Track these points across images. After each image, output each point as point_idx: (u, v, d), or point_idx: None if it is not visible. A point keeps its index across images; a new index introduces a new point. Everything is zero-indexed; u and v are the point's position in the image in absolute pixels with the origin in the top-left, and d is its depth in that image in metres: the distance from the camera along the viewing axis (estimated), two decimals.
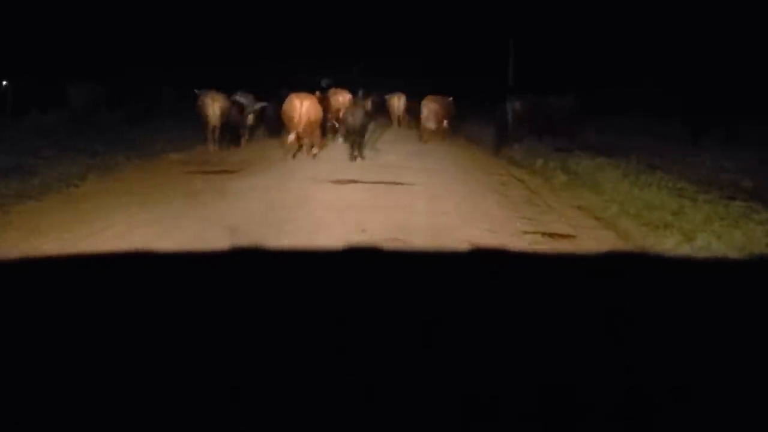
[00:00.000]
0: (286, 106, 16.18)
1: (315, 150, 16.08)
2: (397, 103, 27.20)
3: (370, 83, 30.71)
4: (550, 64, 32.51)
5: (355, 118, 16.36)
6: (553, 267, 1.44)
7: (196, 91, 18.60)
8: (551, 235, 8.03)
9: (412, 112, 27.32)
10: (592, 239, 7.88)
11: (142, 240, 7.06)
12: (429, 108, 20.74)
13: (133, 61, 27.81)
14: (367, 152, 16.60)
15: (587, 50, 31.77)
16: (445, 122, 21.09)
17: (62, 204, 9.26)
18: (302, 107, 15.75)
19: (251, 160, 14.96)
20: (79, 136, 15.87)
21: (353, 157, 15.53)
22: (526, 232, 8.13)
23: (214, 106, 17.69)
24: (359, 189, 11.15)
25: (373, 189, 11.15)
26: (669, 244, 7.52)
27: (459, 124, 24.24)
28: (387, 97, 27.24)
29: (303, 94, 16.38)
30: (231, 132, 18.44)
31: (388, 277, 1.22)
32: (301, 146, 16.06)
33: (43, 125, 18.16)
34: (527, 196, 10.94)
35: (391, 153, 16.88)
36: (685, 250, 7.24)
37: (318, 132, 16.42)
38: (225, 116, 17.90)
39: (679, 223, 8.06)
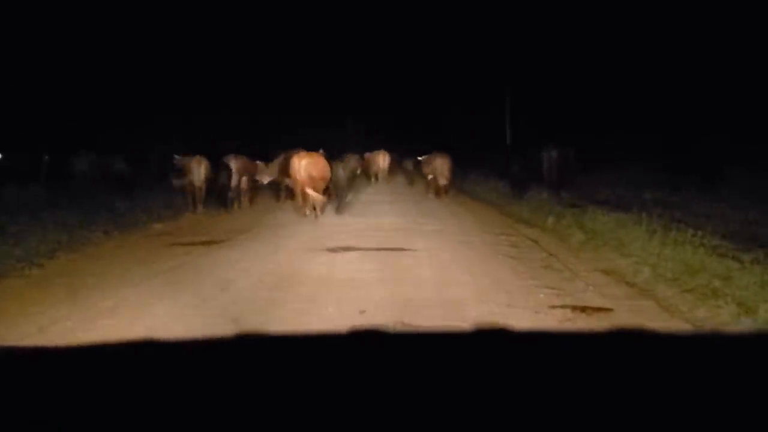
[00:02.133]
0: (290, 166, 16.24)
1: (320, 210, 15.74)
2: (382, 160, 28.11)
3: (359, 140, 31.61)
4: (536, 118, 33.94)
5: (337, 175, 17.51)
6: (595, 350, 1.17)
7: (176, 156, 18.59)
8: (583, 309, 6.83)
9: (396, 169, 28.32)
10: (631, 312, 6.70)
11: (98, 334, 5.89)
12: (442, 164, 20.90)
13: (119, 126, 27.29)
14: (363, 214, 15.99)
15: (569, 102, 33.13)
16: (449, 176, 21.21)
17: (16, 290, 8.07)
18: (303, 166, 15.55)
19: (238, 227, 13.90)
20: (55, 209, 14.72)
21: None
22: (552, 306, 6.94)
23: (200, 169, 17.72)
24: (356, 258, 9.99)
25: (371, 257, 10.00)
26: (724, 316, 6.36)
27: (455, 180, 23.67)
28: (369, 155, 28.10)
29: (304, 153, 16.23)
30: (219, 196, 18.28)
31: (390, 376, 1.04)
32: (313, 206, 15.70)
33: (18, 200, 17.15)
34: (544, 260, 9.77)
35: (389, 214, 15.86)
36: (746, 324, 6.09)
37: (323, 190, 16.03)
38: (209, 179, 17.95)
39: (730, 291, 6.87)
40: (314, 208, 15.61)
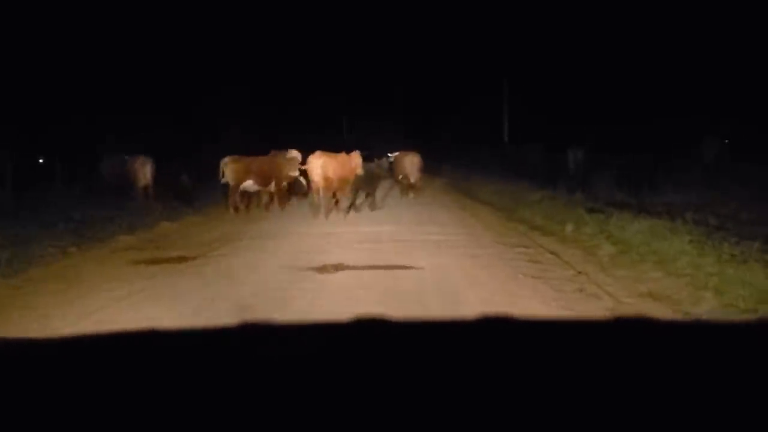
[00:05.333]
0: (307, 165, 15.98)
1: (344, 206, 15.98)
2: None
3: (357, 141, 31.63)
4: (533, 111, 33.82)
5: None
6: (598, 338, 1.19)
7: (125, 157, 19.16)
8: None
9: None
10: None
11: None
12: (410, 162, 20.58)
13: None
14: (356, 221, 14.67)
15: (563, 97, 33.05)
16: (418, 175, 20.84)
17: None
18: (320, 165, 15.40)
19: (217, 238, 12.25)
20: (9, 220, 13.01)
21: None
22: None
23: (144, 170, 18.92)
24: (348, 281, 8.30)
25: (367, 280, 8.31)
26: None
27: (458, 181, 22.25)
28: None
29: (320, 153, 15.84)
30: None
31: (395, 363, 1.04)
32: (336, 202, 16.04)
33: None
34: (573, 280, 8.12)
35: (385, 221, 14.22)
36: None
37: (344, 190, 16.25)
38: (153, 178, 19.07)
39: None
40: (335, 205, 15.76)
